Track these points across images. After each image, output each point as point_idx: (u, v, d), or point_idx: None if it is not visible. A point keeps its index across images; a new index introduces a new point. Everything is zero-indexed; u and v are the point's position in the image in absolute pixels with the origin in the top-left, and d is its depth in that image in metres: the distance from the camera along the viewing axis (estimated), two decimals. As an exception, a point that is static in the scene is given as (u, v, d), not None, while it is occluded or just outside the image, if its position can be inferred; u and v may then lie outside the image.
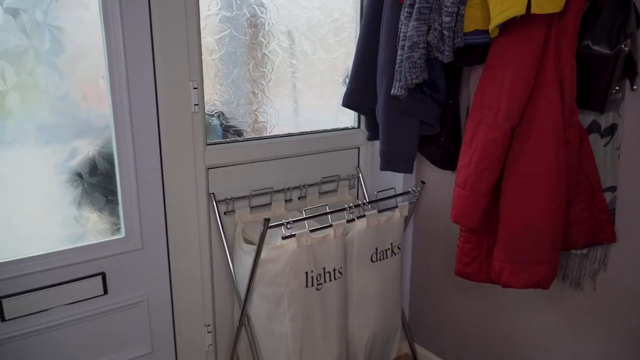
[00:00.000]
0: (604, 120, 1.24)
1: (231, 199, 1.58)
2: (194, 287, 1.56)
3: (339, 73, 1.82)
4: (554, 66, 1.14)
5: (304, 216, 1.41)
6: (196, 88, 1.46)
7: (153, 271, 1.49)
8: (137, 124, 1.38)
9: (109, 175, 1.39)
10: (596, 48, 1.12)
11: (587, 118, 1.25)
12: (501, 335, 1.63)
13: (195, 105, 1.47)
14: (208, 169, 1.53)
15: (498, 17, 1.09)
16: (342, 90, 1.82)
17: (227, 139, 1.61)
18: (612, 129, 1.24)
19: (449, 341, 1.82)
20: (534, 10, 1.04)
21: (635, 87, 1.20)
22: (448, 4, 1.24)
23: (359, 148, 1.88)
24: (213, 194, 1.54)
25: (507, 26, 1.16)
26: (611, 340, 1.34)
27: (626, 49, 1.10)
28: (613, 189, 1.26)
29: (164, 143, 1.44)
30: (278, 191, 1.69)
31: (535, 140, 1.15)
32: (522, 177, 1.17)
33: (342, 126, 1.87)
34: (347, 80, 1.65)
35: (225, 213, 1.58)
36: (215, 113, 1.58)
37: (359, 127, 1.89)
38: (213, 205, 1.54)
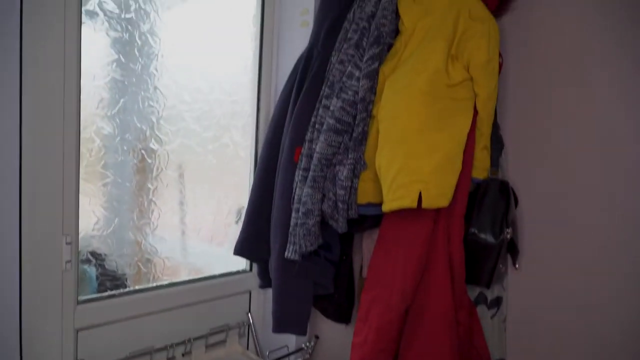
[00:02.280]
0: (490, 293, 1.28)
1: (104, 364, 1.39)
2: None
3: (231, 214, 1.76)
4: (444, 248, 1.17)
5: (187, 393, 1.26)
6: (70, 243, 1.31)
7: None
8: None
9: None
10: (482, 236, 1.17)
11: (474, 290, 1.29)
12: None
13: (67, 262, 1.31)
14: (78, 330, 1.35)
15: (390, 204, 1.10)
16: (234, 230, 1.75)
17: (104, 294, 1.44)
18: (497, 301, 1.28)
19: None
20: (425, 205, 1.06)
21: (517, 266, 1.26)
22: (342, 178, 1.25)
23: (250, 292, 1.79)
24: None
25: (399, 207, 1.18)
26: None
27: (508, 236, 1.16)
28: (501, 361, 1.29)
29: (25, 307, 1.24)
30: (160, 349, 1.52)
31: (428, 323, 1.15)
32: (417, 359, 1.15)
33: (233, 269, 1.77)
34: (241, 226, 1.59)
35: (96, 383, 1.38)
36: (92, 263, 1.42)
37: (251, 270, 1.80)
38: (81, 374, 1.34)
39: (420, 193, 1.05)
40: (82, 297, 1.37)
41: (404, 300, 1.14)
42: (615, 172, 1.16)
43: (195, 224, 1.65)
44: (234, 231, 1.74)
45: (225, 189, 1.73)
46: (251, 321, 1.77)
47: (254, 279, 1.77)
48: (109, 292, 1.45)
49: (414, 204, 1.05)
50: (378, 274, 1.20)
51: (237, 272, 1.78)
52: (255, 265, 1.78)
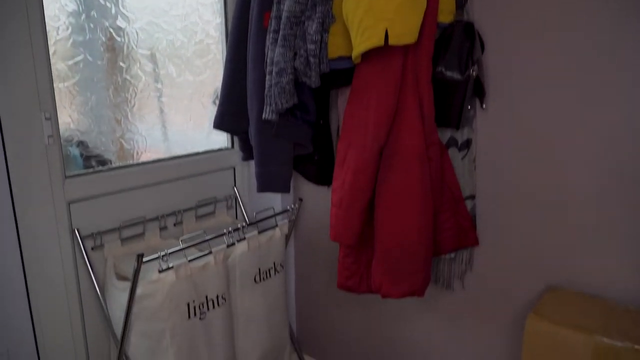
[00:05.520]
0: (460, 136, 1.36)
1: (98, 233, 1.47)
2: (62, 334, 1.43)
3: (207, 94, 1.79)
4: (413, 89, 1.22)
5: (181, 246, 1.36)
6: (49, 118, 1.34)
7: (11, 321, 1.34)
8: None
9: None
10: (449, 74, 1.22)
11: (445, 134, 1.36)
12: (384, 340, 1.71)
13: (49, 137, 1.34)
14: (69, 203, 1.41)
15: (359, 47, 1.14)
16: (212, 110, 1.79)
17: (90, 170, 1.49)
18: (467, 143, 1.36)
19: (336, 350, 1.87)
20: (392, 42, 1.10)
21: (484, 106, 1.33)
22: (311, 32, 1.27)
23: (234, 168, 1.86)
24: (77, 229, 1.42)
25: (369, 53, 1.22)
26: (480, 333, 1.48)
27: (474, 74, 1.22)
28: (472, 197, 1.39)
29: (14, 180, 1.29)
30: (151, 219, 1.60)
31: (400, 160, 1.23)
32: (392, 195, 1.24)
33: (215, 147, 1.83)
34: (217, 102, 1.62)
35: (93, 249, 1.46)
36: (75, 142, 1.46)
37: (232, 147, 1.86)
38: (78, 241, 1.42)
39: (386, 31, 1.09)
40: (69, 172, 1.43)
41: (377, 140, 1.21)
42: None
43: (172, 104, 1.68)
44: (212, 111, 1.78)
45: (199, 70, 1.74)
46: (237, 194, 1.85)
47: (236, 155, 1.84)
48: (95, 168, 1.50)
49: (381, 42, 1.09)
50: (352, 120, 1.26)
51: (220, 150, 1.84)
52: (236, 143, 1.84)
